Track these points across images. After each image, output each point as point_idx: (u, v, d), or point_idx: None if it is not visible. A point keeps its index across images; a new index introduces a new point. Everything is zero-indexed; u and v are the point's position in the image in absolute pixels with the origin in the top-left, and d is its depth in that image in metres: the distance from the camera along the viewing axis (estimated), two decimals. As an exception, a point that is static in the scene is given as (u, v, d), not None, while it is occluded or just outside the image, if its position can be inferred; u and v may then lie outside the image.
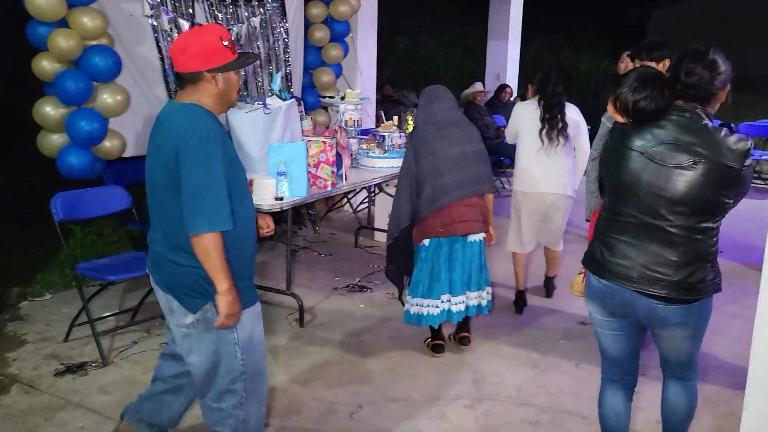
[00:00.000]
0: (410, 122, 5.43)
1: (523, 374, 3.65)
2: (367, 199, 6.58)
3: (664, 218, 2.22)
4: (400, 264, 3.80)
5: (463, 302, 3.72)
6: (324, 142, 4.06)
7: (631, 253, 2.28)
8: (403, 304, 3.87)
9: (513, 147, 4.52)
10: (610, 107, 2.39)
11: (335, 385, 3.50)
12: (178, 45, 2.17)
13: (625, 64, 5.37)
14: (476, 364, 3.76)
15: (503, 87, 9.14)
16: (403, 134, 5.21)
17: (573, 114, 4.29)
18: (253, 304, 2.35)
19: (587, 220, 3.08)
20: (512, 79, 10.13)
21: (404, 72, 14.62)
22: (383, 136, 5.20)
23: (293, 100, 4.04)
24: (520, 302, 4.49)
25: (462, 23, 18.83)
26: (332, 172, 4.12)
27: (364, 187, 5.85)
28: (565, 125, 4.19)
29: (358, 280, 5.04)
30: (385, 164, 4.86)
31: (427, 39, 17.32)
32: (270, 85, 4.34)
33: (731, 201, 2.24)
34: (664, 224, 2.22)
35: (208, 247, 2.08)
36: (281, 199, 3.80)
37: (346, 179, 4.33)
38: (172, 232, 2.19)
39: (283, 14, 5.80)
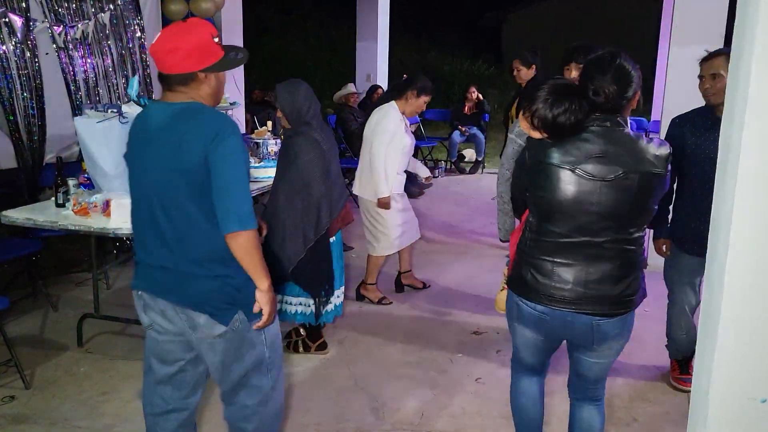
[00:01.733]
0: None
1: (423, 396, 3.42)
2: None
3: (598, 234, 2.13)
4: (321, 269, 3.58)
5: (340, 297, 3.79)
6: (192, 154, 3.60)
7: (566, 275, 2.17)
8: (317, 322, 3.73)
9: None
10: (523, 123, 2.20)
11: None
12: (165, 45, 1.98)
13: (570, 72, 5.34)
14: (371, 389, 3.48)
15: (375, 88, 8.98)
16: (278, 140, 4.84)
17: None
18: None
19: (503, 241, 2.89)
20: (382, 79, 10.01)
21: (271, 74, 14.15)
22: (257, 143, 4.80)
23: (154, 106, 3.55)
24: (398, 282, 4.80)
25: (328, 24, 18.63)
26: (203, 186, 3.67)
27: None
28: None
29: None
30: (262, 174, 4.47)
31: (294, 40, 16.95)
32: (126, 90, 3.82)
33: (657, 207, 2.20)
34: (598, 240, 2.13)
35: (249, 243, 1.98)
36: (145, 220, 3.31)
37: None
38: (197, 243, 2.02)
39: (137, 10, 5.23)
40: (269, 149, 4.76)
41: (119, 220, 3.25)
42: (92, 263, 4.03)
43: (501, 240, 2.99)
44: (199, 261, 2.03)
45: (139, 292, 2.16)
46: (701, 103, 3.36)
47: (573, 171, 2.10)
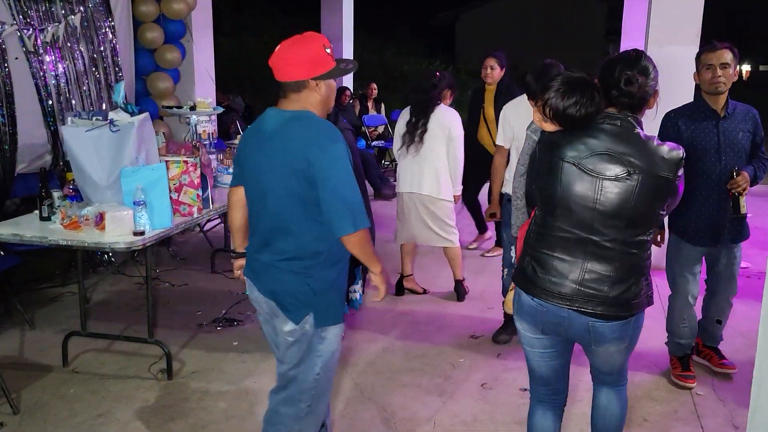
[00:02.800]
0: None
1: (432, 404, 3.37)
2: (217, 218, 5.96)
3: (598, 232, 2.11)
4: None
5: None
6: (185, 162, 3.47)
7: (564, 270, 2.16)
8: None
9: None
10: (536, 116, 2.22)
11: (229, 449, 2.98)
12: (283, 55, 2.17)
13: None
14: (379, 398, 3.41)
15: (342, 90, 8.88)
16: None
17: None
18: (342, 321, 2.34)
19: (514, 236, 2.86)
20: (348, 81, 9.93)
21: (229, 75, 13.86)
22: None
23: (146, 113, 3.40)
24: (399, 285, 4.84)
25: (284, 24, 18.35)
26: (197, 195, 3.54)
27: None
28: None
29: (224, 312, 4.46)
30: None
31: (250, 40, 16.65)
32: (112, 97, 3.64)
33: (664, 212, 2.18)
34: (597, 238, 2.12)
35: (362, 240, 2.16)
36: (142, 233, 3.17)
37: (213, 202, 3.75)
38: (289, 239, 2.18)
39: (108, 12, 5.02)
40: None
41: (115, 233, 3.09)
42: (79, 278, 3.82)
43: (513, 236, 2.94)
44: (286, 256, 2.18)
45: (245, 278, 2.37)
46: (678, 101, 3.44)
47: (576, 165, 2.10)
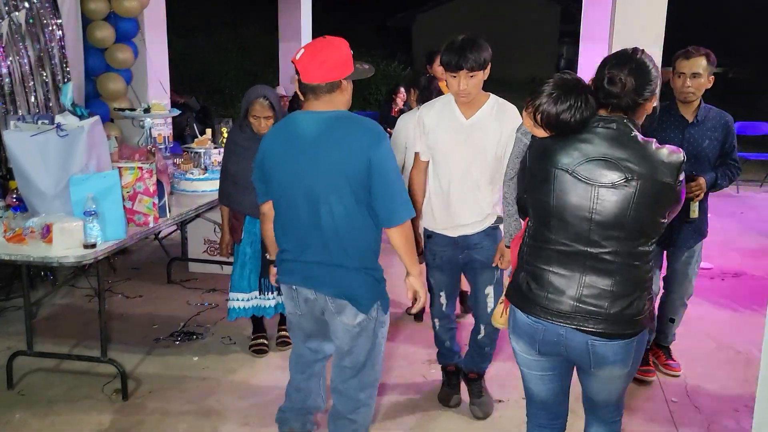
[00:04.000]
0: (225, 134, 4.75)
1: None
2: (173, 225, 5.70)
3: (596, 244, 1.97)
4: None
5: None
6: (140, 168, 3.25)
7: (561, 285, 2.02)
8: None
9: None
10: (526, 120, 2.07)
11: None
12: (315, 57, 2.21)
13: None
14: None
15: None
16: (221, 149, 4.51)
17: None
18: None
19: (507, 246, 2.74)
20: (307, 82, 9.74)
21: (180, 75, 13.47)
22: (198, 153, 4.46)
23: (97, 117, 3.18)
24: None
25: (234, 23, 18.03)
26: (153, 204, 3.32)
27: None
28: None
29: (182, 325, 4.24)
30: (208, 187, 4.14)
31: (200, 40, 16.26)
32: (60, 98, 3.39)
33: (666, 220, 2.03)
34: (596, 251, 1.97)
35: (408, 232, 2.30)
36: (93, 245, 2.94)
37: (170, 211, 3.54)
38: (353, 239, 2.27)
39: (55, 9, 4.74)
40: (212, 159, 4.43)
41: (63, 246, 2.86)
42: (24, 292, 3.55)
43: (506, 246, 2.82)
44: (352, 255, 2.28)
45: (294, 287, 2.39)
46: None
47: (570, 173, 1.96)
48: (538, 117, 1.99)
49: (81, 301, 4.67)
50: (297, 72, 2.23)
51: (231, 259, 3.82)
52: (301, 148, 2.23)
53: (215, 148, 4.54)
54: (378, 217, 2.26)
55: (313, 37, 10.33)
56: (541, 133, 2.04)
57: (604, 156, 1.94)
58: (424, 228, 3.13)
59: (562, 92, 1.96)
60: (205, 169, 4.30)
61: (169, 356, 3.84)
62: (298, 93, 2.29)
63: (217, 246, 5.07)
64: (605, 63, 2.04)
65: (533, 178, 2.07)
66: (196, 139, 4.56)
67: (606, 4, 8.55)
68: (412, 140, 3.57)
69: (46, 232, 2.93)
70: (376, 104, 15.39)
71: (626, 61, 2.00)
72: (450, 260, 3.06)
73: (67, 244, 2.90)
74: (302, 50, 2.23)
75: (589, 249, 1.98)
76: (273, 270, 2.64)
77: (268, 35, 14.31)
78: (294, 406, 2.62)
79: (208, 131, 4.68)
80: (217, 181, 4.14)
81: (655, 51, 5.13)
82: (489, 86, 2.95)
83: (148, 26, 5.74)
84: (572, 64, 22.59)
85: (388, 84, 16.04)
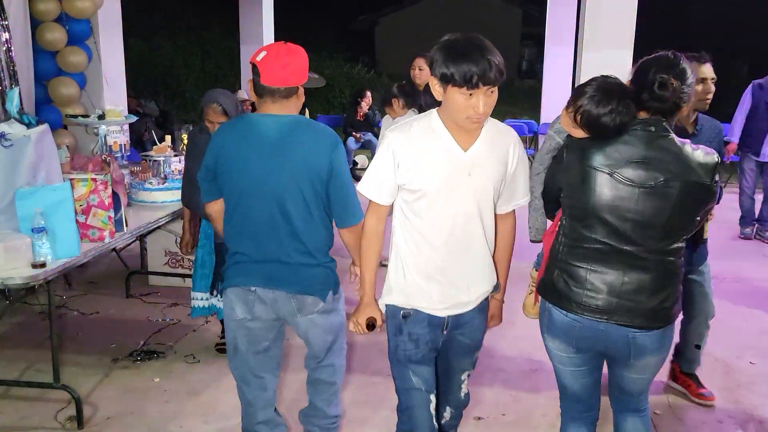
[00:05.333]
0: (185, 140, 4.54)
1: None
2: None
3: (634, 243, 2.05)
4: None
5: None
6: (94, 180, 3.03)
7: (599, 283, 2.09)
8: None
9: None
10: (565, 119, 2.10)
11: None
12: (280, 61, 2.23)
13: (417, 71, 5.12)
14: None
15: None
16: (181, 158, 4.29)
17: None
18: None
19: (533, 241, 2.55)
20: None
21: (140, 79, 13.13)
22: (157, 162, 4.23)
23: (46, 125, 2.95)
24: None
25: (197, 26, 17.67)
26: (109, 217, 3.11)
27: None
28: None
29: (142, 343, 4.01)
30: (169, 197, 3.93)
31: (162, 42, 15.88)
32: (5, 105, 3.14)
33: (701, 218, 2.11)
34: (633, 249, 2.05)
35: (359, 231, 2.32)
36: (43, 264, 2.72)
37: (127, 224, 3.32)
38: (311, 237, 2.33)
39: (1, 9, 4.46)
40: (172, 168, 4.21)
41: (9, 266, 2.64)
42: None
43: (531, 240, 2.58)
44: (310, 252, 2.33)
45: (252, 288, 2.34)
46: None
47: (611, 175, 2.02)
48: (578, 117, 2.04)
49: (34, 318, 4.40)
50: (256, 73, 2.22)
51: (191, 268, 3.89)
52: (262, 151, 2.26)
53: (175, 155, 4.32)
54: (334, 217, 2.37)
55: (279, 40, 10.13)
56: (579, 133, 2.08)
57: (644, 158, 2.00)
58: (391, 305, 2.26)
59: (604, 95, 2.01)
60: (165, 178, 4.07)
61: (128, 378, 3.62)
62: (251, 93, 2.29)
63: (179, 258, 4.89)
64: (649, 67, 2.07)
65: (572, 178, 2.09)
66: (155, 147, 4.34)
67: (571, 7, 8.60)
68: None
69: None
70: (341, 107, 15.26)
71: (672, 65, 2.05)
72: (432, 343, 2.25)
73: (14, 263, 2.68)
74: (264, 52, 2.22)
75: (626, 247, 2.04)
76: None
77: (231, 38, 14.04)
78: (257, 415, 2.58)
79: (168, 138, 4.47)
80: (178, 192, 3.95)
81: (625, 54, 5.08)
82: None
83: (103, 28, 5.47)
84: (534, 65, 22.87)
85: (351, 87, 15.97)
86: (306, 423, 2.63)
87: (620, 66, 4.18)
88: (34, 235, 2.72)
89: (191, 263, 4.85)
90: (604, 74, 2.11)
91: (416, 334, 2.21)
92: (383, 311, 2.31)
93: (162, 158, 4.21)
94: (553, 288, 2.17)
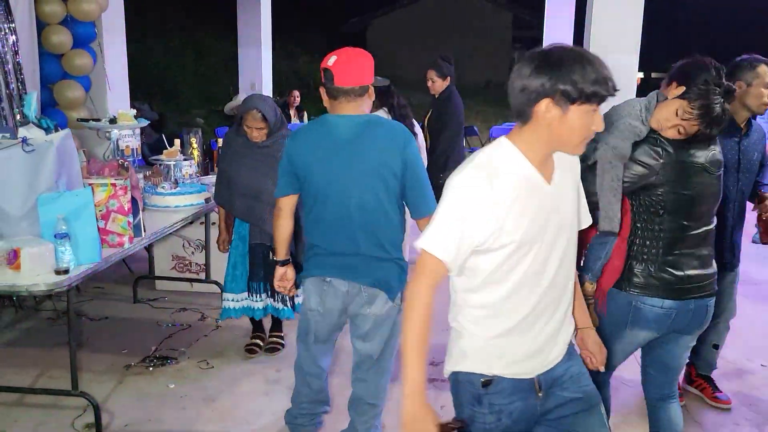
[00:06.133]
0: (195, 145, 4.53)
1: None
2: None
3: (707, 222, 2.34)
4: None
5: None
6: (114, 185, 3.01)
7: (696, 264, 2.32)
8: None
9: None
10: (669, 110, 2.22)
11: None
12: (352, 62, 2.38)
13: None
14: None
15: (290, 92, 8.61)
16: (191, 161, 4.28)
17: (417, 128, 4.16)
18: None
19: (610, 233, 2.32)
20: (267, 88, 9.55)
21: (133, 81, 12.98)
22: (167, 166, 4.21)
23: (68, 130, 2.93)
24: None
25: (189, 28, 17.56)
26: (128, 222, 3.09)
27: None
28: None
29: (154, 348, 3.98)
30: (182, 201, 3.91)
31: (154, 44, 15.78)
32: (23, 109, 3.10)
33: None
34: (707, 228, 2.34)
35: None
36: (66, 271, 2.69)
37: (145, 230, 3.30)
38: (386, 232, 2.44)
39: (8, 12, 4.42)
40: (183, 172, 4.19)
41: (33, 272, 2.61)
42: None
43: (611, 231, 2.30)
44: (383, 246, 2.44)
45: (327, 279, 2.47)
46: None
47: (704, 169, 2.28)
48: (703, 111, 2.15)
49: (43, 324, 4.36)
50: (329, 77, 2.35)
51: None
52: (337, 149, 2.39)
53: (185, 159, 4.30)
54: (411, 208, 2.47)
55: (273, 43, 10.17)
56: (672, 132, 2.23)
57: (718, 151, 2.34)
58: (468, 372, 1.81)
59: (725, 96, 2.18)
60: (176, 182, 4.05)
61: (143, 384, 3.59)
62: (324, 96, 2.41)
63: (187, 263, 4.87)
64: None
65: (677, 175, 2.26)
66: (165, 151, 4.31)
67: (569, 11, 8.66)
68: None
69: (14, 258, 2.67)
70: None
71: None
72: (522, 415, 1.82)
73: (37, 270, 2.65)
74: (334, 56, 2.36)
75: (707, 227, 2.35)
76: (280, 271, 2.71)
77: (225, 39, 13.97)
78: (305, 408, 2.72)
79: (177, 142, 4.44)
80: (191, 196, 3.94)
81: (632, 58, 5.13)
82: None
83: (107, 30, 5.44)
84: (526, 69, 22.95)
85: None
86: None
87: (626, 71, 4.23)
88: (57, 241, 2.70)
89: (198, 268, 4.84)
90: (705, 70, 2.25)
91: (497, 406, 1.78)
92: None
93: (173, 162, 4.18)
94: (648, 282, 2.31)
